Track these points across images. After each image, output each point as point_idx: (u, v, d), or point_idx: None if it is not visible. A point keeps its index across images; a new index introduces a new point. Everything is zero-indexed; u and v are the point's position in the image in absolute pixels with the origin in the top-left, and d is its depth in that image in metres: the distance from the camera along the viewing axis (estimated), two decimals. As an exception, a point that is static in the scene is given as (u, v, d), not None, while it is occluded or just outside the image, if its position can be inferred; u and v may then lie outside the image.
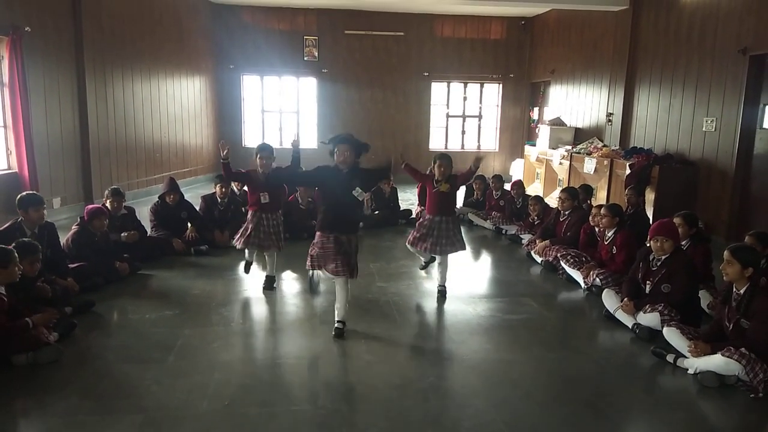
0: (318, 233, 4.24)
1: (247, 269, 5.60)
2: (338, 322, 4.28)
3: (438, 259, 5.34)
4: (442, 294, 5.27)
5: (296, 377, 3.67)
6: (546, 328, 4.63)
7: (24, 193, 4.85)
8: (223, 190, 7.07)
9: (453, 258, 6.30)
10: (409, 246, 5.40)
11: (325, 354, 4.04)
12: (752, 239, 4.56)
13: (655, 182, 7.78)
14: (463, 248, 5.31)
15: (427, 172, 5.50)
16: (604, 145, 9.70)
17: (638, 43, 9.25)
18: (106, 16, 9.00)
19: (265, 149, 5.20)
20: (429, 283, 5.67)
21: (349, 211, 4.25)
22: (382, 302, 5.08)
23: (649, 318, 4.33)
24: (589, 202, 7.25)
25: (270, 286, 5.33)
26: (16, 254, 3.86)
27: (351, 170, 4.23)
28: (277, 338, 4.33)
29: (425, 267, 5.76)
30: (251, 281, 5.60)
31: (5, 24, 7.03)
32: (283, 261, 5.79)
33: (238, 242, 5.33)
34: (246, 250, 5.48)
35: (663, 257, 4.46)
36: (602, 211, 5.65)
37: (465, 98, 14.19)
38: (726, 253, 3.78)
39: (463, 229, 8.24)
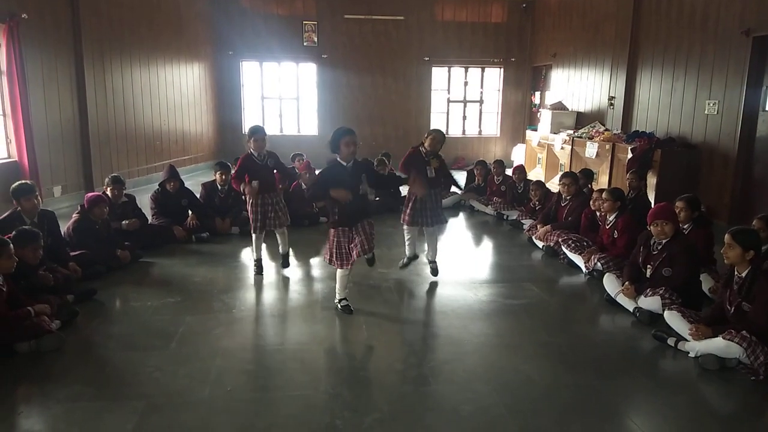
0: (335, 230, 4.27)
1: (259, 270, 5.38)
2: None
3: (426, 233, 5.37)
4: (434, 269, 5.35)
5: (298, 363, 3.67)
6: (547, 313, 4.63)
7: (15, 184, 4.84)
8: (223, 177, 7.05)
9: (455, 243, 6.29)
10: (406, 227, 5.39)
11: (326, 339, 4.05)
12: (761, 223, 4.54)
13: (656, 166, 7.76)
14: (444, 221, 5.49)
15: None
16: (606, 129, 9.65)
17: (640, 25, 9.17)
18: (104, 2, 8.94)
19: (258, 131, 5.17)
20: (429, 269, 5.67)
21: (361, 202, 4.26)
22: (384, 288, 5.09)
23: (650, 302, 4.33)
24: (589, 186, 7.22)
25: (286, 262, 5.47)
26: (10, 245, 3.85)
27: (354, 164, 4.24)
28: (279, 324, 4.34)
29: (407, 265, 5.55)
30: (252, 268, 5.61)
31: (2, 11, 6.99)
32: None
33: (252, 228, 5.31)
34: (254, 248, 5.38)
35: (664, 241, 4.45)
36: (603, 195, 5.62)
37: (466, 83, 14.11)
38: (727, 237, 3.77)
39: (464, 215, 8.34)
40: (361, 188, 4.25)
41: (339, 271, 4.39)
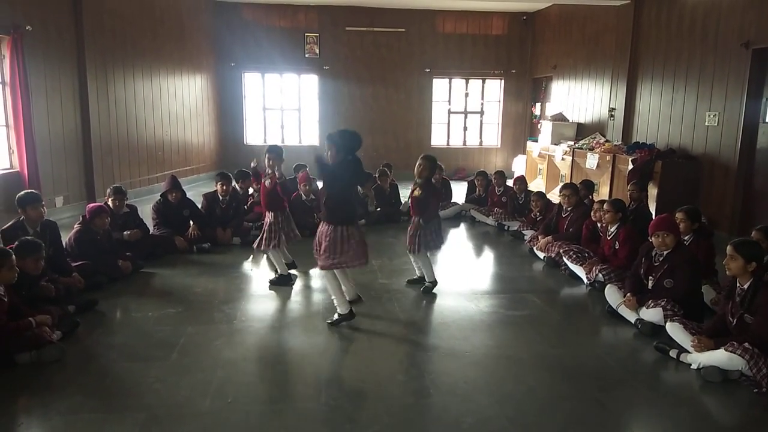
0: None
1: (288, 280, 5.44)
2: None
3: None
4: (428, 290, 5.27)
5: (299, 374, 3.67)
6: (549, 324, 4.62)
7: (22, 192, 4.85)
8: (225, 188, 7.07)
9: (457, 253, 6.30)
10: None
11: (327, 351, 4.04)
12: (759, 234, 4.54)
13: (657, 177, 7.77)
14: (438, 248, 5.45)
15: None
16: (607, 141, 9.67)
17: (640, 37, 9.22)
18: (107, 14, 9.00)
19: (271, 150, 5.28)
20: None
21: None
22: (385, 299, 5.08)
23: (651, 313, 4.32)
24: (590, 197, 7.22)
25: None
26: (12, 256, 3.85)
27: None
28: (280, 335, 4.33)
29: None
30: (253, 279, 5.61)
31: (6, 23, 7.04)
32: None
33: (264, 247, 5.35)
34: (275, 262, 5.44)
35: (665, 252, 4.44)
36: (605, 206, 5.63)
37: (467, 94, 14.16)
38: (729, 248, 3.76)
39: (465, 226, 8.35)
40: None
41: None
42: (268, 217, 5.38)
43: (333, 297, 4.47)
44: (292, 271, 5.60)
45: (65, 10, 8.14)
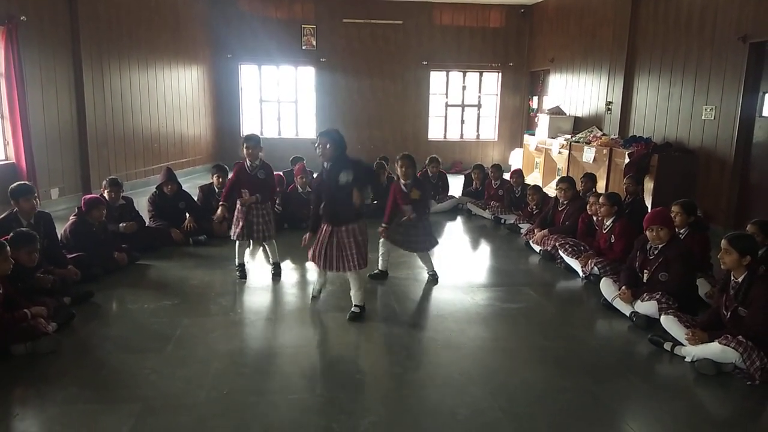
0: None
1: (242, 275, 5.38)
2: (355, 306, 4.45)
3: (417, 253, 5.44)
4: (434, 278, 5.39)
5: (294, 366, 3.67)
6: (544, 317, 4.64)
7: (15, 184, 4.81)
8: (220, 180, 7.05)
9: (453, 246, 6.30)
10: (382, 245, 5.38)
11: (323, 343, 4.05)
12: (754, 228, 4.55)
13: (654, 171, 7.77)
14: (436, 244, 5.46)
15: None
16: (604, 134, 9.67)
17: (637, 31, 9.20)
18: (102, 4, 8.94)
19: (251, 139, 5.18)
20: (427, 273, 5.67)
21: (337, 203, 4.26)
22: (381, 291, 5.09)
23: (646, 306, 4.34)
24: (594, 189, 7.20)
25: (277, 272, 5.43)
26: (7, 248, 3.84)
27: (334, 164, 4.26)
28: (276, 327, 4.34)
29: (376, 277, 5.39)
30: (250, 271, 5.61)
31: (1, 13, 6.99)
32: (282, 251, 5.78)
33: (233, 234, 5.35)
34: (236, 253, 5.42)
35: (660, 246, 4.46)
36: (601, 199, 5.64)
37: (464, 87, 14.13)
38: (723, 242, 3.78)
39: (461, 219, 8.36)
40: (342, 177, 4.16)
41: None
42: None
43: (357, 291, 4.43)
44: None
45: (60, 0, 8.08)
